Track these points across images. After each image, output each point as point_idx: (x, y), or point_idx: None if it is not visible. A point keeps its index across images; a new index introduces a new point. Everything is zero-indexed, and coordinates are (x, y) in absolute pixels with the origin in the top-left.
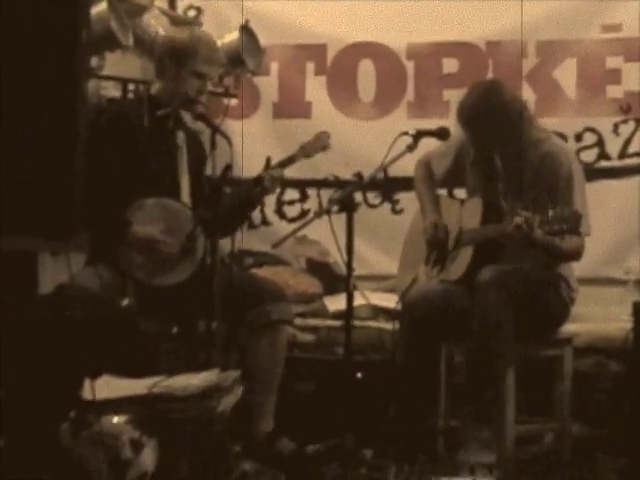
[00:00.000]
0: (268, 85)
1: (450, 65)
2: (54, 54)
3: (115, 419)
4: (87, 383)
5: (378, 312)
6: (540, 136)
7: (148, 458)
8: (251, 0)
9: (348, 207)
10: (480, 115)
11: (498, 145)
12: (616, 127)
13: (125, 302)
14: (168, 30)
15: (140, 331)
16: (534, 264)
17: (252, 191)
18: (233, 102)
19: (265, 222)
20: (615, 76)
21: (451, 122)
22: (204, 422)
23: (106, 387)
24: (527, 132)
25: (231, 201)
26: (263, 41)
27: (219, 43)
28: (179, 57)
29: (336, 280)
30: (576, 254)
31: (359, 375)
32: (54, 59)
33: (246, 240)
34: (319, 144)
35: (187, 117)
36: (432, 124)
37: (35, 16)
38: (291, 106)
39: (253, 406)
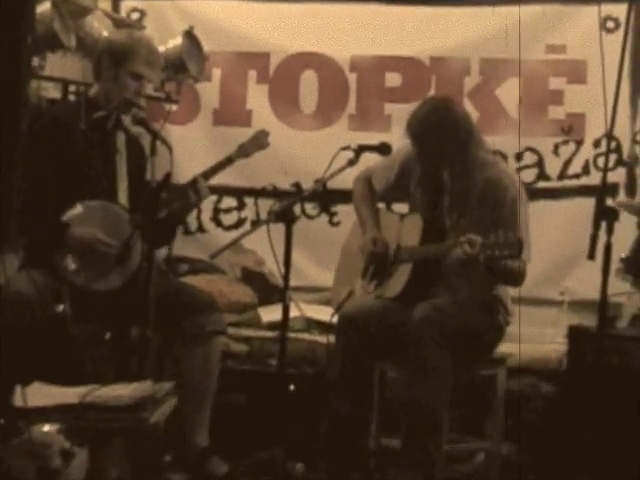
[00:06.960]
0: (209, 92)
1: (393, 79)
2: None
3: (46, 428)
4: (18, 390)
5: (312, 324)
6: (487, 159)
7: (78, 468)
8: (195, 4)
9: (287, 219)
10: (430, 129)
11: (446, 161)
12: (556, 148)
13: (59, 308)
14: (111, 32)
15: (73, 337)
16: (473, 284)
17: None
18: (174, 108)
19: (201, 229)
20: (557, 97)
21: (392, 136)
22: (136, 433)
23: (38, 394)
24: (475, 152)
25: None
26: (206, 47)
27: (162, 48)
28: (117, 57)
29: (271, 290)
30: (518, 278)
31: (291, 388)
32: None
33: (181, 247)
34: (257, 143)
35: (128, 120)
36: (373, 137)
37: None
38: (232, 114)
39: (186, 419)
